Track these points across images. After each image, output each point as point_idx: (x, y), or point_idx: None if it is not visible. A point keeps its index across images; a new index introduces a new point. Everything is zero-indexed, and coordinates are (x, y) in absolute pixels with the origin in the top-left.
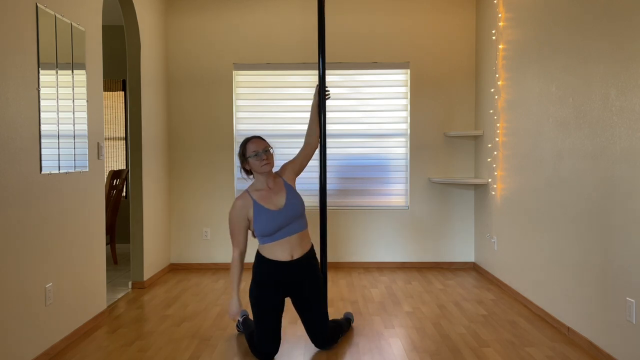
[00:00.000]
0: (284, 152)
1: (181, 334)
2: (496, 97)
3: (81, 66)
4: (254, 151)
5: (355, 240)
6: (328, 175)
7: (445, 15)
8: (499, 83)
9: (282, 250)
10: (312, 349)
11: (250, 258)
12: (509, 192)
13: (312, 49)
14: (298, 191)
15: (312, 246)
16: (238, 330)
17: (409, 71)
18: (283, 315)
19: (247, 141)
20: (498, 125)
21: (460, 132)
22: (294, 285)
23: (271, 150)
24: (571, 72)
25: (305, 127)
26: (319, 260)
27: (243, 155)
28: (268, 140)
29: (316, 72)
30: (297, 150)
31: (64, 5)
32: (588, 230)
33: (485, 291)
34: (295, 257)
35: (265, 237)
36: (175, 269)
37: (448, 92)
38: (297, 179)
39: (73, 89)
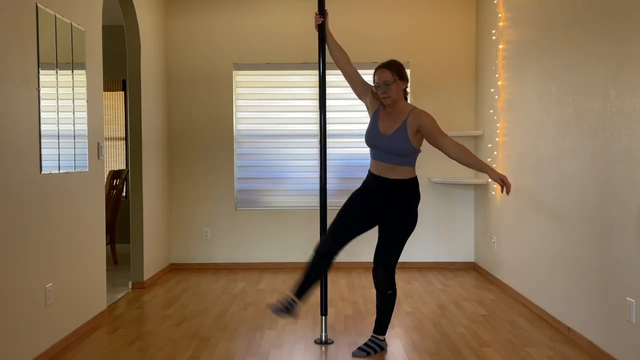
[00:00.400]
0: (284, 152)
1: (181, 334)
2: (496, 97)
3: (81, 66)
4: (376, 83)
5: (355, 240)
6: (328, 175)
7: (445, 15)
8: (499, 83)
9: (375, 167)
10: (312, 348)
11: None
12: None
13: (312, 49)
14: (298, 190)
15: (411, 181)
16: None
17: (409, 71)
18: (282, 316)
19: (376, 69)
20: (498, 125)
21: (460, 132)
22: (382, 202)
23: (391, 84)
24: (571, 72)
25: (305, 126)
26: None
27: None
28: (267, 140)
29: (316, 72)
30: (296, 150)
31: (64, 5)
32: (588, 230)
33: (485, 291)
34: (384, 176)
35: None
36: (175, 269)
37: (448, 92)
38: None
39: (73, 89)
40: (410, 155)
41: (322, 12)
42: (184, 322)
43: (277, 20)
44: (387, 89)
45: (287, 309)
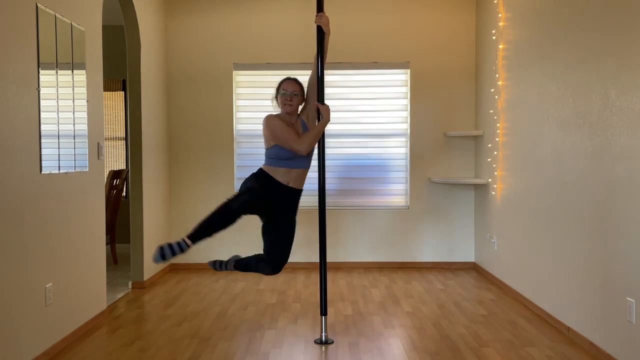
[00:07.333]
0: None
1: (181, 334)
2: (496, 97)
3: (81, 66)
4: (284, 89)
5: (355, 240)
6: (328, 175)
7: (445, 15)
8: (499, 83)
9: (282, 176)
10: (312, 348)
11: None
12: (509, 192)
13: (312, 49)
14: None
15: (302, 189)
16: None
17: (409, 71)
18: (281, 314)
19: (285, 79)
20: (498, 125)
21: (460, 132)
22: (278, 205)
23: (298, 95)
24: (571, 72)
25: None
26: (319, 260)
27: (277, 88)
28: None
29: None
30: None
31: (64, 5)
32: (588, 230)
33: (485, 291)
34: (290, 185)
35: (276, 160)
36: (175, 269)
37: (448, 92)
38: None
39: (73, 89)
40: (313, 150)
41: (321, 10)
42: (184, 322)
43: (276, 20)
44: (292, 98)
45: (174, 252)
